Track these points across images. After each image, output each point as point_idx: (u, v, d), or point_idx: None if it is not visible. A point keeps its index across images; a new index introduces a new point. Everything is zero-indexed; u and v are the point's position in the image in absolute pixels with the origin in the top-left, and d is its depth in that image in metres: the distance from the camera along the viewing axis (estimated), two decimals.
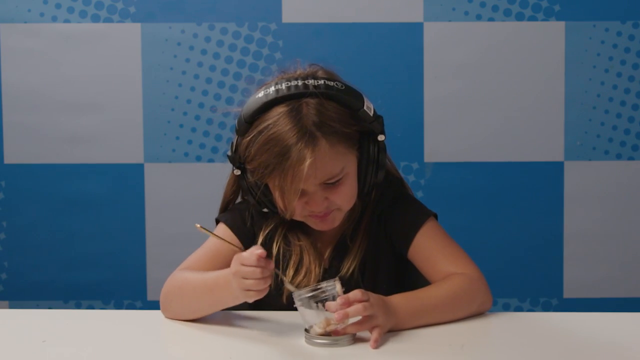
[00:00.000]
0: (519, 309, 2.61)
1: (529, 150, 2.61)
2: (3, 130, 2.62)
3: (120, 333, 1.35)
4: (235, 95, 2.60)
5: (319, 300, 1.26)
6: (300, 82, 1.38)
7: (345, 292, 1.28)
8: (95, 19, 2.59)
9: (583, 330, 1.34)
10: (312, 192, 1.39)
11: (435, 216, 1.53)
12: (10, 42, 2.60)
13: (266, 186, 1.43)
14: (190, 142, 2.61)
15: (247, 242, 1.50)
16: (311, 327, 1.26)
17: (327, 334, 1.25)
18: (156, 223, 2.63)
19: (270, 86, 1.39)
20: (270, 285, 1.28)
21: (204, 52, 2.60)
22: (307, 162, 1.33)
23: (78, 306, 2.64)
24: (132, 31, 2.60)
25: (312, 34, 2.58)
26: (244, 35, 2.59)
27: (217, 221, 1.55)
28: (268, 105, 1.38)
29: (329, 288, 1.26)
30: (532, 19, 2.57)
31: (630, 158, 2.60)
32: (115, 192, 2.62)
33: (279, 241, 1.50)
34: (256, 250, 1.26)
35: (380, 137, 1.43)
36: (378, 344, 1.23)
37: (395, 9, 2.58)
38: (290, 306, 1.36)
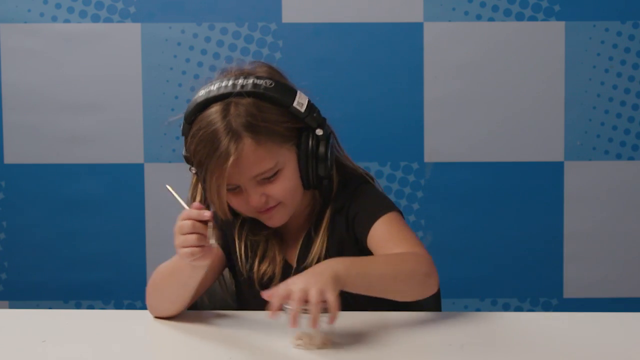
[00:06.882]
0: (519, 309, 2.61)
1: (529, 150, 2.60)
2: (3, 130, 2.62)
3: (120, 333, 1.35)
4: None
5: None
6: (230, 82, 1.44)
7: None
8: (95, 19, 2.59)
9: (583, 330, 1.34)
10: (247, 188, 1.43)
11: (400, 213, 1.53)
12: (10, 42, 2.60)
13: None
14: None
15: (224, 243, 1.55)
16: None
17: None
18: (156, 223, 2.63)
19: (207, 87, 1.47)
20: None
21: (204, 52, 2.60)
22: (230, 159, 1.39)
23: (78, 306, 2.64)
24: (132, 31, 2.59)
25: (312, 34, 2.58)
26: (244, 35, 2.59)
27: None
28: (201, 106, 1.45)
29: None
30: (532, 19, 2.57)
31: (630, 158, 2.60)
32: (115, 192, 2.62)
33: (246, 233, 1.53)
34: (194, 207, 1.33)
35: (318, 132, 1.46)
36: (273, 298, 1.22)
37: (395, 9, 2.58)
38: (263, 288, 1.39)
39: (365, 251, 1.50)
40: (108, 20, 2.59)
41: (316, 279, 1.23)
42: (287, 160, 1.45)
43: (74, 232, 2.63)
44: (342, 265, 1.28)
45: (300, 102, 1.45)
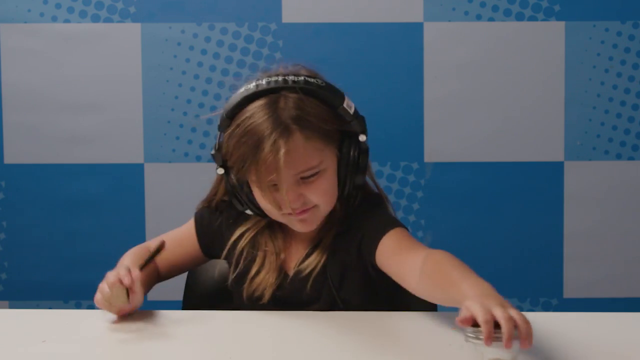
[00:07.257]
0: (519, 309, 2.61)
1: (529, 150, 2.61)
2: (3, 130, 2.62)
3: (120, 333, 1.35)
4: None
5: None
6: (280, 78, 1.41)
7: (302, 293, 1.40)
8: (95, 19, 2.59)
9: (583, 330, 1.34)
10: (286, 186, 1.38)
11: (407, 229, 1.50)
12: (10, 42, 2.60)
13: (248, 185, 1.44)
14: (190, 142, 2.61)
15: (206, 242, 1.55)
16: None
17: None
18: (156, 223, 2.63)
19: (252, 82, 1.42)
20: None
21: (204, 52, 2.60)
22: (281, 152, 1.35)
23: (78, 306, 2.64)
24: (132, 31, 2.60)
25: (312, 34, 2.58)
26: (244, 35, 2.59)
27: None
28: (248, 100, 1.41)
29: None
30: (532, 19, 2.57)
31: (630, 158, 2.60)
32: (115, 192, 2.62)
33: (245, 243, 1.50)
34: (124, 274, 1.35)
35: (362, 138, 1.44)
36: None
37: (395, 9, 2.58)
38: (252, 304, 1.45)
39: (368, 273, 1.48)
40: (108, 20, 2.59)
41: (498, 301, 1.18)
42: (329, 161, 1.42)
43: (74, 232, 2.64)
44: (486, 285, 1.26)
45: (349, 104, 1.44)
